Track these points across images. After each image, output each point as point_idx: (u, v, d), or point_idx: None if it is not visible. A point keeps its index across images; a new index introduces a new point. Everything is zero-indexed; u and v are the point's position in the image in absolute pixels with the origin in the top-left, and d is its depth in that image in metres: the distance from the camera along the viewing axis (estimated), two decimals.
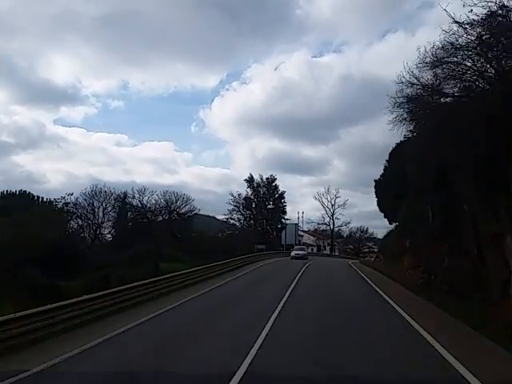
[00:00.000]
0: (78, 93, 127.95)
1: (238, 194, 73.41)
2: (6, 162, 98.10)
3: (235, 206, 71.83)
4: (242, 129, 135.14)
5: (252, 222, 72.04)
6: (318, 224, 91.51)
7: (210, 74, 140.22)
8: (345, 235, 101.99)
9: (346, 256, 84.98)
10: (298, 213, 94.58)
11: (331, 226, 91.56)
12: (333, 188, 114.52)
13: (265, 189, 74.37)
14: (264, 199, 73.87)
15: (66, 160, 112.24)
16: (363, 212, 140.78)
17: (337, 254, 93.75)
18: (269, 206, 74.25)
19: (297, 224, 72.41)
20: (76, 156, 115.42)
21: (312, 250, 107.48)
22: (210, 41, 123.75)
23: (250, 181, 74.89)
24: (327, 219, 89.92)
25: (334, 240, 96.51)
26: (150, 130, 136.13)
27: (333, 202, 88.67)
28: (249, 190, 74.71)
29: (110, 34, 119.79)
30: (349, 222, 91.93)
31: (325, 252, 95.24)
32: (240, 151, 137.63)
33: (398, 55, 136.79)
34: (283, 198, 74.60)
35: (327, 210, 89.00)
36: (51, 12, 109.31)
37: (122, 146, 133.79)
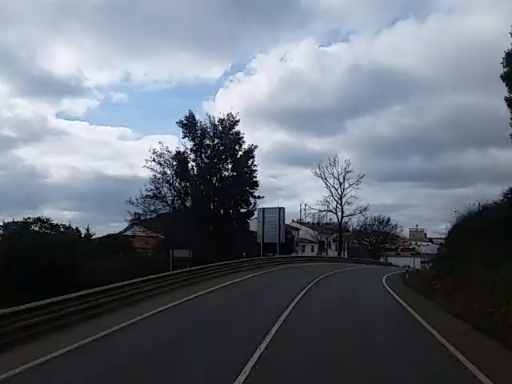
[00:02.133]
0: (80, 85, 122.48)
1: (167, 149, 41.78)
2: (8, 156, 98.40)
3: (159, 173, 40.85)
4: (247, 121, 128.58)
5: (189, 201, 41.58)
6: (320, 211, 61.49)
7: (215, 64, 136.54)
8: (356, 227, 71.33)
9: (360, 259, 54.89)
10: (300, 205, 64.29)
11: (339, 215, 61.48)
12: (341, 159, 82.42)
13: (217, 140, 42.64)
14: (216, 159, 42.22)
15: (70, 154, 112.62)
16: (373, 205, 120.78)
17: (346, 256, 63.59)
18: (225, 173, 42.85)
19: (282, 209, 41.80)
20: (79, 150, 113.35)
21: (312, 248, 78.01)
22: (214, 30, 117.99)
23: (189, 123, 42.45)
24: (333, 204, 59.98)
25: (344, 235, 66.16)
26: (154, 122, 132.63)
27: (341, 179, 58.99)
28: (187, 141, 43.05)
29: (112, 23, 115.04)
30: (365, 208, 61.60)
31: (329, 252, 65.36)
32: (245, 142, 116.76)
33: (407, 44, 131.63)
34: (252, 157, 42.49)
35: (333, 190, 59.20)
36: (51, 0, 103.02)
37: (125, 139, 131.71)
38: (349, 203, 60.97)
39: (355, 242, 74.58)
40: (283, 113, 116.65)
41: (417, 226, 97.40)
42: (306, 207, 61.97)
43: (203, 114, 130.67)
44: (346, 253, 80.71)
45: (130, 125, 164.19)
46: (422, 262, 51.12)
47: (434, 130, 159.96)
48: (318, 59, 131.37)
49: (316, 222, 65.42)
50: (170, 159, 40.29)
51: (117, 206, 76.56)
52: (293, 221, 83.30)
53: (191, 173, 41.28)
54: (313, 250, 79.95)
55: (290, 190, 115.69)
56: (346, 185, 60.88)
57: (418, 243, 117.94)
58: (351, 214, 61.78)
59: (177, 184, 40.42)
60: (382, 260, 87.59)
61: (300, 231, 78.49)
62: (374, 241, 71.79)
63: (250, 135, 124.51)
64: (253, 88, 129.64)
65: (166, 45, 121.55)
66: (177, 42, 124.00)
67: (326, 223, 69.00)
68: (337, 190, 61.51)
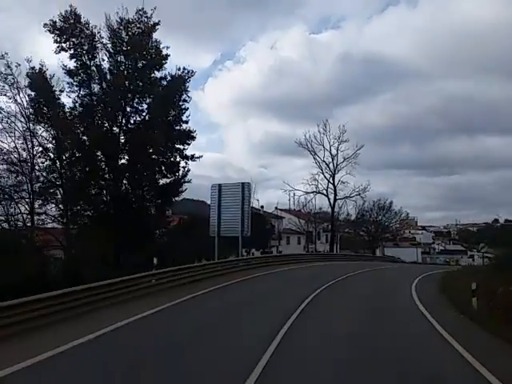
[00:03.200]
0: None
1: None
2: None
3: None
4: (237, 111, 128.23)
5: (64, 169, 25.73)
6: (307, 193, 47.97)
7: (204, 53, 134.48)
8: (351, 214, 57.83)
9: (363, 255, 41.89)
10: (290, 194, 50.45)
11: (331, 198, 48.08)
12: (335, 125, 68.32)
13: (121, 58, 26.01)
14: (118, 92, 25.43)
15: None
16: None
17: (338, 252, 50.32)
18: (134, 117, 26.83)
19: (247, 184, 27.49)
20: None
21: (299, 240, 64.82)
22: (202, 16, 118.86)
23: (68, 27, 24.97)
24: (323, 183, 46.53)
25: (336, 225, 52.72)
26: None
27: (334, 151, 45.45)
28: (65, 58, 25.78)
29: (95, 7, 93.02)
30: (365, 189, 48.12)
31: (318, 246, 51.94)
32: (234, 134, 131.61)
33: (398, 31, 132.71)
34: (183, 90, 27.36)
35: (323, 166, 45.69)
36: None
37: None
38: (343, 183, 47.57)
39: (351, 231, 61.44)
40: (274, 102, 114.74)
41: (407, 214, 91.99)
42: (289, 188, 48.22)
43: (192, 103, 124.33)
44: (338, 246, 67.51)
45: None
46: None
47: (425, 118, 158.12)
48: (309, 47, 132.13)
49: (302, 206, 51.77)
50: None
51: None
52: (276, 208, 69.91)
53: (70, 114, 25.40)
54: (299, 243, 66.67)
55: (280, 180, 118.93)
56: (340, 158, 47.45)
57: (412, 231, 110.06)
58: (347, 197, 48.51)
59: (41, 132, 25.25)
60: (378, 254, 74.69)
61: (284, 220, 65.23)
62: (372, 230, 58.73)
63: (241, 125, 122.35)
64: (243, 77, 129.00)
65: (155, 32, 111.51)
66: (163, 29, 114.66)
67: (315, 212, 55.34)
68: (328, 165, 48.12)
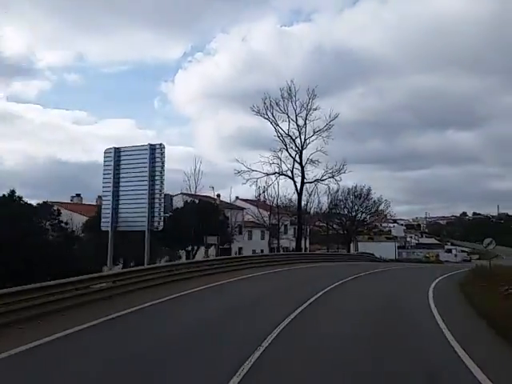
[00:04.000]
0: (32, 66, 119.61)
1: None
2: None
3: None
4: (208, 103, 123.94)
5: None
6: (267, 175, 38.47)
7: (174, 44, 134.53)
8: (322, 204, 48.52)
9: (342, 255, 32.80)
10: (250, 179, 40.47)
11: (297, 182, 38.69)
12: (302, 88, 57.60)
13: None
14: None
15: (22, 138, 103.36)
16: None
17: (307, 249, 41.11)
18: None
19: (159, 148, 18.10)
20: (32, 134, 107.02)
21: (263, 235, 55.68)
22: (173, 7, 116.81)
23: None
24: (289, 163, 37.20)
25: (305, 217, 43.47)
26: (111, 106, 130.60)
27: (301, 122, 36.07)
28: None
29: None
30: (340, 169, 38.73)
31: (283, 242, 42.68)
32: (205, 127, 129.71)
33: (369, 24, 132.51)
34: None
35: (288, 140, 36.31)
36: None
37: (81, 123, 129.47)
38: (313, 162, 37.99)
39: (323, 225, 52.46)
40: (245, 95, 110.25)
41: (388, 203, 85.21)
42: (244, 169, 38.28)
43: (163, 96, 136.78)
44: (308, 241, 58.41)
45: (86, 108, 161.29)
46: None
47: (395, 113, 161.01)
48: (280, 40, 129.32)
49: (261, 192, 41.95)
50: None
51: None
52: (237, 198, 60.11)
53: None
54: (263, 238, 57.30)
55: (252, 173, 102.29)
56: (310, 131, 38.05)
57: (384, 224, 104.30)
58: (317, 180, 38.79)
59: None
60: (352, 249, 66.47)
61: (241, 214, 55.59)
62: (347, 223, 49.86)
63: (212, 118, 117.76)
64: (214, 69, 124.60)
65: (122, 22, 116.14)
66: (133, 20, 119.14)
67: (281, 202, 45.91)
68: (294, 140, 38.37)
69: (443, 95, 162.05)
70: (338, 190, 48.12)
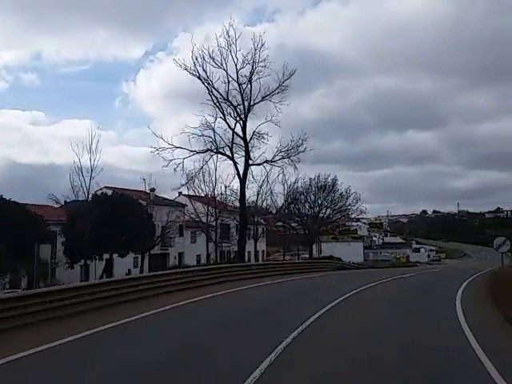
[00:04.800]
0: None
1: None
2: None
3: None
4: (171, 103, 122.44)
5: None
6: (197, 153, 28.74)
7: (135, 43, 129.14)
8: (279, 195, 38.95)
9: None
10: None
11: (238, 164, 28.96)
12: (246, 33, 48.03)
13: None
14: None
15: None
16: None
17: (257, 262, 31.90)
18: None
19: None
20: None
21: (210, 238, 46.00)
22: (134, 5, 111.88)
23: None
24: (227, 137, 27.70)
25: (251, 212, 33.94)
26: (70, 106, 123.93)
27: (243, 80, 26.56)
28: None
29: None
30: (299, 145, 29.15)
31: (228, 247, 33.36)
32: (169, 127, 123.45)
33: (331, 24, 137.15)
34: None
35: (224, 106, 26.72)
36: None
37: (38, 124, 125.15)
38: (261, 136, 28.17)
39: (278, 224, 43.38)
40: (208, 95, 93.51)
41: (359, 196, 78.94)
42: (166, 145, 27.89)
43: (124, 96, 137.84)
44: (263, 245, 49.16)
45: (43, 109, 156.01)
46: None
47: (357, 113, 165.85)
48: (243, 40, 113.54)
49: (189, 180, 31.79)
50: None
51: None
52: (180, 194, 49.87)
53: None
54: (210, 240, 47.57)
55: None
56: (256, 94, 28.35)
57: (347, 224, 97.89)
58: (267, 161, 28.67)
59: None
60: (315, 252, 57.89)
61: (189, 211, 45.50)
62: (309, 221, 40.81)
63: (175, 118, 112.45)
64: (176, 69, 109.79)
65: (81, 20, 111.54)
66: (92, 17, 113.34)
67: (214, 198, 36.35)
68: (236, 108, 28.07)
69: (404, 96, 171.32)
70: (297, 180, 38.98)
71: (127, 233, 28.13)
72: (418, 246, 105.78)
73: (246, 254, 47.54)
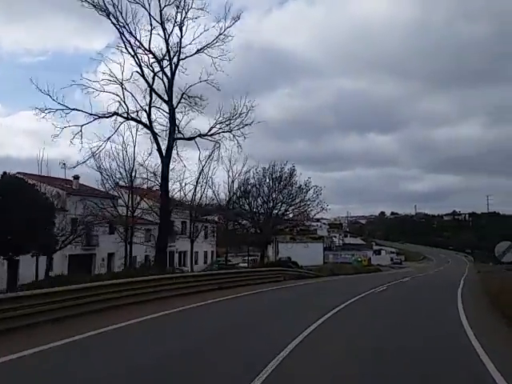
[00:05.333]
0: None
1: None
2: None
3: None
4: (131, 98, 67.82)
5: None
6: (98, 118, 21.55)
7: (97, 35, 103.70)
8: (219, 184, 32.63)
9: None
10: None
11: (162, 136, 21.94)
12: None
13: None
14: None
15: None
16: None
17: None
18: None
19: None
20: None
21: (149, 236, 39.39)
22: None
23: None
24: (144, 103, 20.80)
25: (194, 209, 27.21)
26: (28, 97, 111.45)
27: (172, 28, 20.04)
28: None
29: None
30: (245, 115, 22.41)
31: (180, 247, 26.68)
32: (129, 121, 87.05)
33: (297, 25, 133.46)
34: None
35: (145, 56, 19.97)
36: None
37: None
38: (191, 101, 20.83)
39: (223, 221, 36.90)
40: (174, 89, 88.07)
41: (320, 189, 75.94)
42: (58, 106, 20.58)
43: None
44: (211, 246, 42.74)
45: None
46: None
47: (320, 114, 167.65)
48: (208, 36, 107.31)
49: (92, 155, 24.54)
50: None
51: None
52: (117, 184, 42.22)
53: None
54: (149, 239, 40.50)
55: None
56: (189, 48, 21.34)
57: (307, 224, 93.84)
58: (201, 135, 20.93)
59: None
60: (272, 253, 52.25)
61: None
62: (261, 217, 34.53)
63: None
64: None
65: (42, 11, 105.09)
66: (54, 9, 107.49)
67: (131, 183, 29.84)
68: (160, 61, 20.45)
69: (366, 99, 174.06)
70: (248, 170, 32.83)
71: (18, 227, 20.92)
72: (378, 247, 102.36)
73: (195, 254, 41.08)
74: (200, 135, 20.67)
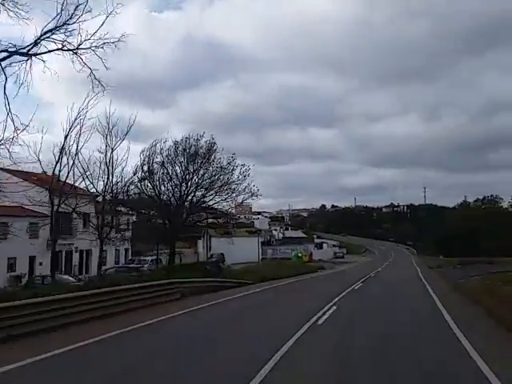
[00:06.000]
0: None
1: None
2: None
3: None
4: (67, 88, 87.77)
5: None
6: None
7: (31, 23, 58.75)
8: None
9: None
10: None
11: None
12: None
13: None
14: None
15: None
16: None
17: None
18: None
19: None
20: None
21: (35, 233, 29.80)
22: None
23: None
24: None
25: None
26: None
27: None
28: None
29: None
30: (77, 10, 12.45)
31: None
32: (65, 115, 68.73)
33: (240, 17, 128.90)
34: None
35: None
36: None
37: None
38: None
39: (121, 210, 27.74)
40: (109, 80, 76.60)
41: (242, 200, 72.73)
42: None
43: (16, 78, 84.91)
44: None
45: None
46: None
47: (263, 108, 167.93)
48: (150, 26, 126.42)
49: None
50: None
51: None
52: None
53: None
54: (37, 236, 30.68)
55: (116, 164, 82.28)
56: None
57: (247, 216, 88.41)
58: (20, 52, 12.29)
59: None
60: (203, 248, 45.16)
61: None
62: (169, 205, 25.85)
63: (74, 104, 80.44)
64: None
65: None
66: None
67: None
68: None
69: (309, 94, 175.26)
70: (154, 144, 24.32)
71: None
72: (319, 240, 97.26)
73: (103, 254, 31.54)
74: (18, 51, 11.44)
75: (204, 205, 26.61)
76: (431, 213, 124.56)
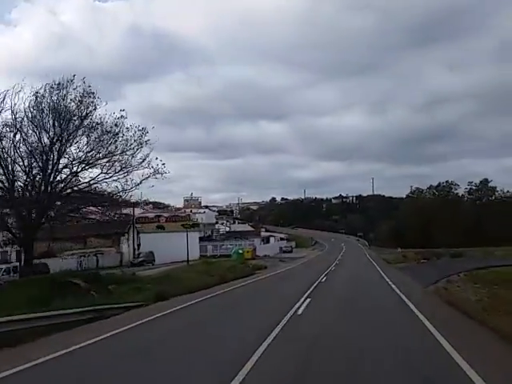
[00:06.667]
0: None
1: None
2: None
3: None
4: (8, 81, 79.64)
5: None
6: None
7: None
8: None
9: None
10: None
11: None
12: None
13: None
14: None
15: None
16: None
17: None
18: None
19: None
20: None
21: None
22: None
23: None
24: None
25: None
26: None
27: None
28: None
29: None
30: None
31: None
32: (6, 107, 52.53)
33: (188, 8, 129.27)
34: None
35: None
36: None
37: None
38: None
39: None
40: (53, 73, 75.82)
41: (191, 194, 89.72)
42: None
43: None
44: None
45: None
46: None
47: (213, 101, 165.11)
48: (94, 16, 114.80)
49: None
50: None
51: None
52: None
53: None
54: None
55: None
56: None
57: (194, 211, 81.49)
58: None
59: None
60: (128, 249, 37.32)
61: None
62: (27, 190, 17.36)
63: (13, 96, 68.43)
64: (15, 42, 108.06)
65: None
66: None
67: None
68: None
69: (257, 87, 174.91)
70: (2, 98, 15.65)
71: None
72: (267, 233, 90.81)
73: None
74: None
75: (77, 187, 18.16)
76: (380, 203, 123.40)
